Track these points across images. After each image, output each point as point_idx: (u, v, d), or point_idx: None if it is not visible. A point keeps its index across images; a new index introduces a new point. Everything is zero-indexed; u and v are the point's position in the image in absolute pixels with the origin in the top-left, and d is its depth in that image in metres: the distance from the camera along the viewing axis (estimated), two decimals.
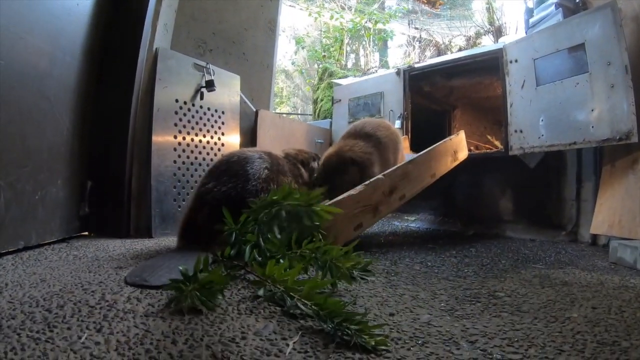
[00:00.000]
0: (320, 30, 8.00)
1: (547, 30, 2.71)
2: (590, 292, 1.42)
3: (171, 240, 2.21)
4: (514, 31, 4.86)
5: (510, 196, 3.30)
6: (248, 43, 3.40)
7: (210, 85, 2.76)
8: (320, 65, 6.61)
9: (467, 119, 4.57)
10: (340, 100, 4.22)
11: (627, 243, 2.04)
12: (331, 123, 4.35)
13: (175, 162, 2.57)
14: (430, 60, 4.11)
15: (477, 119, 4.62)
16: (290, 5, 8.48)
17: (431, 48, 5.81)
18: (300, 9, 8.60)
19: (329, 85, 6.02)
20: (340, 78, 5.75)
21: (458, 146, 3.00)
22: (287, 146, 3.44)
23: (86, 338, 0.86)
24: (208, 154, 2.77)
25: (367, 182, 2.13)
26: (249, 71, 3.37)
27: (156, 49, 2.58)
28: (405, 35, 9.08)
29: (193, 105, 2.72)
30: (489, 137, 4.42)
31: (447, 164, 2.85)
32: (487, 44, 4.80)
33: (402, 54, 9.01)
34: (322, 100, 6.30)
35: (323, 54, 7.22)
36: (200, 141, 2.73)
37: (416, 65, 3.67)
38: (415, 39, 8.69)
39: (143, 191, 2.45)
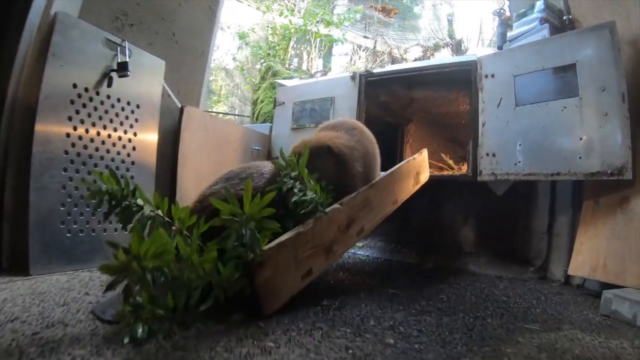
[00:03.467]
0: (267, 26, 7.41)
1: (532, 45, 2.42)
2: None
3: (56, 280, 1.59)
4: (475, 45, 4.69)
5: (472, 225, 2.97)
6: (181, 21, 2.74)
7: (122, 68, 2.11)
8: (264, 64, 6.02)
9: (421, 134, 4.24)
10: (283, 102, 3.67)
11: (625, 295, 1.78)
12: (271, 128, 3.78)
13: (66, 170, 1.89)
14: (392, 66, 3.72)
15: (431, 135, 4.31)
16: (238, 0, 7.82)
17: (384, 57, 5.50)
18: (249, 5, 7.96)
19: (272, 85, 5.45)
20: (284, 78, 5.21)
21: (420, 167, 2.63)
22: (218, 152, 2.84)
23: None
24: (113, 159, 2.10)
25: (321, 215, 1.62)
26: (178, 57, 2.71)
27: (55, 13, 1.91)
28: (352, 44, 8.79)
29: (97, 93, 2.05)
30: (442, 155, 4.13)
31: (410, 188, 2.47)
32: (445, 56, 4.56)
33: (346, 62, 8.69)
34: (262, 101, 5.70)
35: (268, 51, 6.62)
36: (103, 143, 2.05)
37: (375, 71, 3.24)
38: (362, 48, 8.43)
39: (22, 209, 1.75)
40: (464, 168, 3.62)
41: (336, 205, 1.71)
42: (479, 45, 4.84)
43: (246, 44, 8.03)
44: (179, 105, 2.55)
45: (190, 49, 2.80)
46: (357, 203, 1.84)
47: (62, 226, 1.84)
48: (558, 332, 1.54)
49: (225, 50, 10.03)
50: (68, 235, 1.85)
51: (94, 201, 1.15)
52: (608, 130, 2.05)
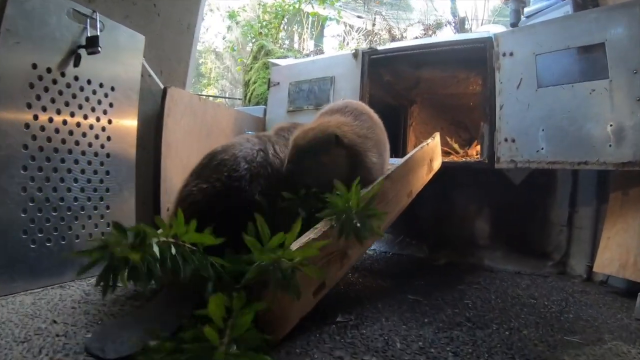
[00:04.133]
0: (259, 3, 6.98)
1: (556, 22, 2.19)
2: None
3: (20, 303, 1.37)
4: (478, 24, 4.44)
5: (487, 216, 2.76)
6: None
7: (92, 44, 1.79)
8: (256, 43, 5.66)
9: (424, 117, 4.00)
10: (278, 83, 3.39)
11: None
12: (265, 110, 3.51)
13: (26, 169, 1.59)
14: (397, 43, 3.44)
15: (434, 118, 4.06)
16: None
17: (382, 35, 5.20)
18: None
19: (265, 65, 5.13)
20: (278, 58, 4.90)
21: (434, 153, 2.42)
22: (208, 139, 2.57)
23: None
24: (84, 153, 1.80)
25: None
26: (161, 31, 2.39)
27: None
28: (344, 24, 8.41)
29: (63, 74, 1.74)
30: (448, 139, 3.92)
31: (424, 177, 2.27)
32: (448, 35, 4.30)
33: (338, 43, 8.36)
34: (255, 82, 5.39)
35: (260, 30, 6.24)
36: (70, 133, 1.75)
37: (379, 48, 2.97)
38: (355, 29, 8.08)
39: None
40: (471, 152, 3.42)
41: None
42: (483, 23, 4.57)
43: (237, 23, 7.62)
44: (162, 87, 2.26)
45: (174, 22, 2.46)
46: None
47: (24, 236, 1.55)
48: (601, 345, 1.39)
49: (215, 32, 9.66)
50: (32, 246, 1.56)
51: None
52: None
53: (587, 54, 2.05)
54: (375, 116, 1.92)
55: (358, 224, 1.30)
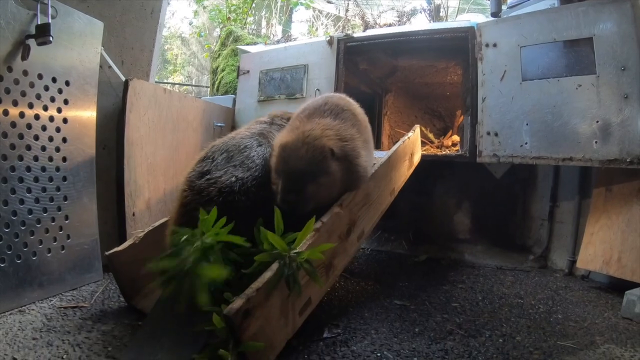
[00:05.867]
0: None
1: (543, 14, 2.13)
2: None
3: None
4: (452, 11, 4.37)
5: (467, 210, 2.73)
6: None
7: (43, 33, 1.57)
8: (224, 28, 5.39)
9: (399, 105, 3.92)
10: (248, 71, 3.21)
11: None
12: (235, 100, 3.34)
13: None
14: (375, 30, 3.32)
15: (408, 107, 3.99)
16: None
17: (354, 22, 5.07)
18: None
19: (234, 52, 4.90)
20: (248, 44, 4.68)
21: (414, 147, 2.35)
22: (174, 135, 2.38)
23: None
24: (37, 158, 1.58)
25: (318, 225, 1.26)
26: (122, 17, 2.16)
27: None
28: (314, 9, 8.20)
29: (10, 69, 1.51)
30: (422, 128, 3.86)
31: (405, 173, 2.21)
32: (423, 22, 4.21)
33: (306, 29, 8.16)
34: (223, 70, 5.15)
35: (228, 15, 5.94)
36: (20, 137, 1.53)
37: (355, 35, 2.85)
38: (324, 14, 7.89)
39: None
40: (446, 142, 3.38)
41: (335, 209, 1.36)
42: (458, 11, 4.51)
43: (204, 8, 7.27)
44: (123, 79, 2.04)
45: (136, 6, 2.21)
46: (359, 201, 1.52)
47: None
48: (595, 349, 1.38)
49: (181, 17, 9.30)
50: None
51: None
52: (628, 114, 1.85)
53: (574, 48, 2.01)
54: (358, 109, 1.73)
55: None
